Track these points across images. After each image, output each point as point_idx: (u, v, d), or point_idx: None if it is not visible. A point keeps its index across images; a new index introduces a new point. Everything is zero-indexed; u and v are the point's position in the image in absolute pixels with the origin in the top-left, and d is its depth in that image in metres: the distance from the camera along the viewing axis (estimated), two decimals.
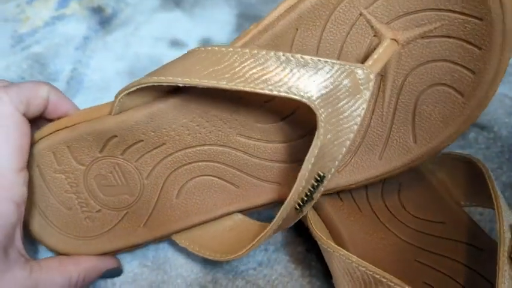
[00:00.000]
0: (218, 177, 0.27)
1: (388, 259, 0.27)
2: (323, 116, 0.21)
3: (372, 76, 0.22)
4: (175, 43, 0.46)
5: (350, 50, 0.24)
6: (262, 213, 0.30)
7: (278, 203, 0.27)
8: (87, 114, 0.27)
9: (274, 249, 0.30)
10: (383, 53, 0.23)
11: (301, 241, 0.31)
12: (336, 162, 0.22)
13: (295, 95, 0.21)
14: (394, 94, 0.25)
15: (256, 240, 0.25)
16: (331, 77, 0.21)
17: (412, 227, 0.28)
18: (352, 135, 0.22)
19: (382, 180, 0.30)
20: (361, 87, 0.22)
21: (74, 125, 0.26)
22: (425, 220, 0.28)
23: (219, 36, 0.47)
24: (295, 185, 0.23)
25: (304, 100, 0.21)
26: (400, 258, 0.27)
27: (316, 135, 0.22)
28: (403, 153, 0.26)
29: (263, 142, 0.26)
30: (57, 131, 0.27)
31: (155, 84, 0.24)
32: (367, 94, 0.22)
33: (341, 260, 0.24)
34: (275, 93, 0.21)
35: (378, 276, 0.22)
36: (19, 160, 0.24)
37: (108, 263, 0.28)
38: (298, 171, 0.22)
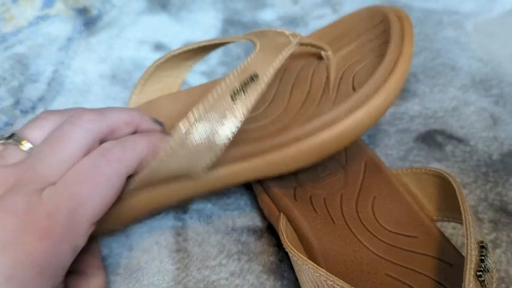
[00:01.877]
0: None
1: (358, 272, 0.27)
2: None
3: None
4: (159, 47, 0.46)
5: None
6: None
7: None
8: None
9: (247, 259, 0.30)
10: None
11: (274, 251, 0.31)
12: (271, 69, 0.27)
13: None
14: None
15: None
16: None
17: (384, 240, 0.28)
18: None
19: (357, 192, 0.31)
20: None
21: None
22: (397, 234, 0.28)
23: None
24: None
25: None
26: (371, 271, 0.27)
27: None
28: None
29: None
30: None
31: None
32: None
33: (310, 272, 0.24)
34: None
35: None
36: (99, 215, 0.24)
37: None
38: None
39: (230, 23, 0.49)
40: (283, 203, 0.30)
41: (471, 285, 0.21)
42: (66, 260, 0.23)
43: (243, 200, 0.34)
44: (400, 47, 0.28)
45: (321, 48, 0.32)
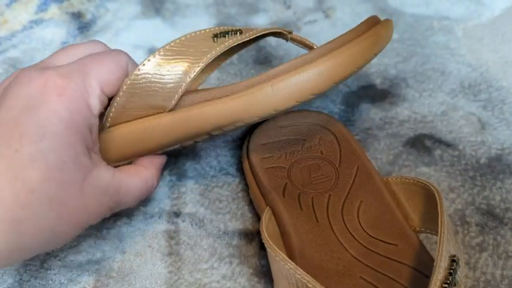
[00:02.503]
0: None
1: (333, 271, 0.27)
2: None
3: None
4: (153, 51, 0.47)
5: None
6: None
7: None
8: None
9: (239, 262, 0.31)
10: None
11: (265, 255, 0.31)
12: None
13: None
14: None
15: None
16: None
17: (363, 244, 0.29)
18: None
19: (345, 195, 0.31)
20: None
21: None
22: (378, 240, 0.29)
23: None
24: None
25: None
26: (346, 273, 0.27)
27: None
28: None
29: None
30: None
31: None
32: None
33: (280, 265, 0.25)
34: None
35: (310, 286, 0.23)
36: (107, 84, 0.27)
37: (164, 158, 0.32)
38: None
39: None
40: (271, 197, 0.31)
41: None
42: (87, 121, 0.26)
43: (235, 204, 0.34)
44: (355, 36, 0.31)
45: (310, 47, 0.34)
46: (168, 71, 0.29)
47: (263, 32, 0.32)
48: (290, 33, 0.35)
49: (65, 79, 0.25)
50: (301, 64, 0.30)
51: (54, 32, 0.49)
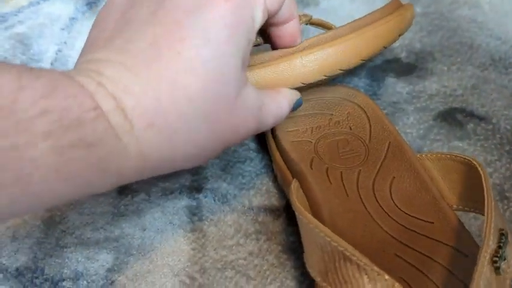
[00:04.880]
0: None
1: (366, 247, 0.25)
2: None
3: None
4: None
5: None
6: None
7: None
8: None
9: (266, 239, 0.29)
10: None
11: (294, 231, 0.29)
12: None
13: None
14: None
15: None
16: None
17: (398, 221, 0.27)
18: None
19: (377, 171, 0.30)
20: None
21: None
22: (413, 217, 0.27)
23: None
24: None
25: None
26: (379, 249, 0.26)
27: None
28: None
29: None
30: None
31: None
32: None
33: (314, 232, 0.23)
34: None
35: (348, 254, 0.21)
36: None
37: (297, 94, 0.30)
38: None
39: None
40: (298, 168, 0.29)
41: (484, 270, 0.20)
42: (248, 33, 0.24)
43: (259, 180, 0.32)
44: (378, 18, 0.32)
45: (330, 28, 0.35)
46: None
47: None
48: (310, 19, 0.35)
49: None
50: (331, 38, 0.31)
51: (61, 7, 0.47)
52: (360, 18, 0.32)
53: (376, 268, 0.20)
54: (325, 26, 0.37)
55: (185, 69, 0.21)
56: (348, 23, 0.31)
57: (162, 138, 0.21)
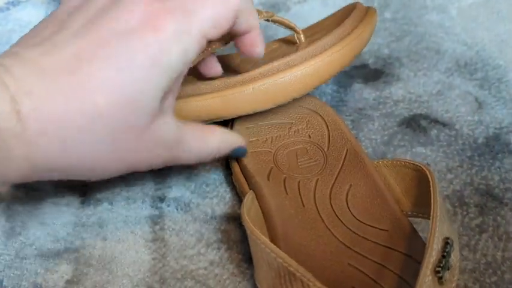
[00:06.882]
0: None
1: (319, 257, 0.26)
2: None
3: None
4: None
5: None
6: None
7: None
8: None
9: (227, 248, 0.29)
10: None
11: None
12: None
13: None
14: None
15: None
16: None
17: (352, 230, 0.27)
18: None
19: (334, 179, 0.30)
20: None
21: None
22: (368, 225, 0.27)
23: None
24: None
25: None
26: (333, 259, 0.26)
27: None
28: None
29: None
30: None
31: None
32: None
33: (261, 248, 0.23)
34: None
35: (292, 270, 0.21)
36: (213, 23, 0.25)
37: (238, 140, 0.30)
38: None
39: None
40: (254, 180, 0.29)
41: (426, 280, 0.20)
42: (176, 66, 0.24)
43: (223, 188, 0.32)
44: (352, 28, 0.33)
45: (292, 28, 0.35)
46: None
47: None
48: (271, 16, 0.35)
49: (168, 15, 0.23)
50: (283, 68, 0.31)
51: (32, 13, 0.47)
52: (313, 43, 0.33)
53: (318, 284, 0.20)
54: (286, 25, 0.36)
55: (99, 87, 0.22)
56: (301, 49, 0.32)
57: (54, 147, 0.22)
